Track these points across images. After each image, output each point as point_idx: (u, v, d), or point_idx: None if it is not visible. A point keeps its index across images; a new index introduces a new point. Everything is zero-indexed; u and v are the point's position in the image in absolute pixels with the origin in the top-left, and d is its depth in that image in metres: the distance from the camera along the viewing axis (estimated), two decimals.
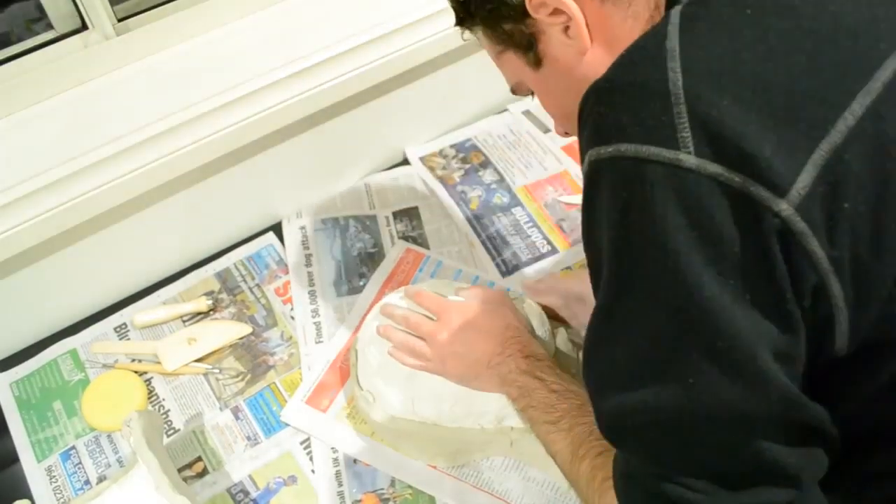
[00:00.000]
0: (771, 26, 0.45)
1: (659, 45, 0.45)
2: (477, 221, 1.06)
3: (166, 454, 0.80)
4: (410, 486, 0.81)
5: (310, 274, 1.01)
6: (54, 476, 0.86)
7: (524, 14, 0.56)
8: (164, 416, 0.89)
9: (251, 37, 0.99)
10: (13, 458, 0.87)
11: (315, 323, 0.96)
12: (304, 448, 0.85)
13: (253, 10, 1.01)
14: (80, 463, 0.86)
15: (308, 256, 1.03)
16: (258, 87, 0.92)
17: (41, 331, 0.99)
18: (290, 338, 0.96)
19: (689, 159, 0.41)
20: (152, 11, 0.96)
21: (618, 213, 0.45)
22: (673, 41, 0.44)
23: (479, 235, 1.04)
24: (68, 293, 0.99)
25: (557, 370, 0.75)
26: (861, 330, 0.45)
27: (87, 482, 0.85)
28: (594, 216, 0.48)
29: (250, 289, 1.01)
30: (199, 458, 0.86)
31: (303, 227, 1.07)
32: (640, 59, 0.46)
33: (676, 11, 0.47)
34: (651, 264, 0.45)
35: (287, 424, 0.87)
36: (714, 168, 0.41)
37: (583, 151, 0.48)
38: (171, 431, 0.88)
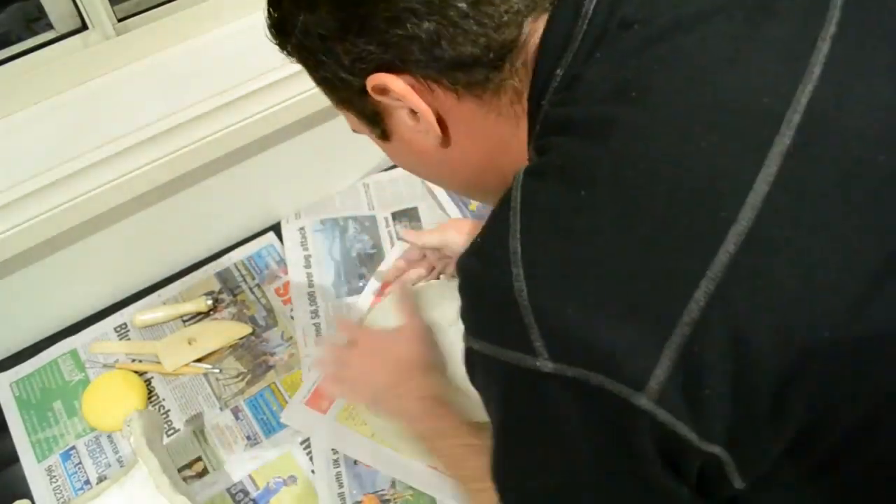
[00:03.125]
0: (605, 209, 0.43)
1: (503, 243, 0.44)
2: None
3: (166, 454, 0.80)
4: (411, 487, 0.81)
5: (309, 275, 1.01)
6: (54, 476, 0.86)
7: (363, 92, 0.51)
8: (164, 416, 0.89)
9: (251, 37, 0.99)
10: (13, 458, 0.87)
11: (315, 324, 0.96)
12: (304, 448, 0.85)
13: (253, 10, 1.01)
14: (81, 463, 0.86)
15: (307, 258, 1.03)
16: (258, 86, 0.92)
17: (41, 331, 0.99)
18: (291, 338, 0.96)
19: (546, 365, 0.42)
20: (152, 11, 0.96)
21: (496, 405, 0.48)
22: (515, 240, 0.44)
23: None
24: (68, 293, 0.99)
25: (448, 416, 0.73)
26: (754, 474, 0.44)
27: (88, 482, 0.85)
28: (477, 383, 0.50)
29: (250, 289, 1.01)
30: (199, 458, 0.86)
31: (301, 229, 1.07)
32: (488, 259, 0.45)
33: (519, 186, 0.46)
34: (532, 457, 0.48)
35: (287, 425, 0.87)
36: (572, 372, 0.41)
37: (462, 317, 0.48)
38: (171, 431, 0.88)
